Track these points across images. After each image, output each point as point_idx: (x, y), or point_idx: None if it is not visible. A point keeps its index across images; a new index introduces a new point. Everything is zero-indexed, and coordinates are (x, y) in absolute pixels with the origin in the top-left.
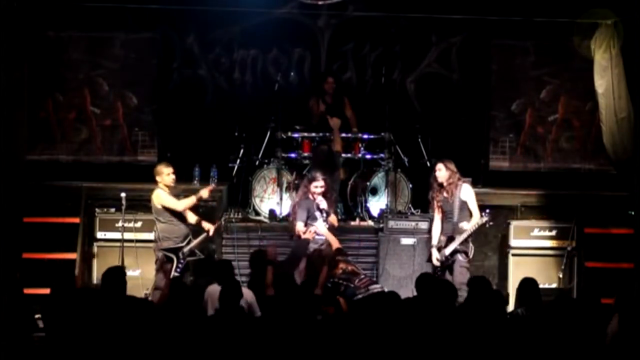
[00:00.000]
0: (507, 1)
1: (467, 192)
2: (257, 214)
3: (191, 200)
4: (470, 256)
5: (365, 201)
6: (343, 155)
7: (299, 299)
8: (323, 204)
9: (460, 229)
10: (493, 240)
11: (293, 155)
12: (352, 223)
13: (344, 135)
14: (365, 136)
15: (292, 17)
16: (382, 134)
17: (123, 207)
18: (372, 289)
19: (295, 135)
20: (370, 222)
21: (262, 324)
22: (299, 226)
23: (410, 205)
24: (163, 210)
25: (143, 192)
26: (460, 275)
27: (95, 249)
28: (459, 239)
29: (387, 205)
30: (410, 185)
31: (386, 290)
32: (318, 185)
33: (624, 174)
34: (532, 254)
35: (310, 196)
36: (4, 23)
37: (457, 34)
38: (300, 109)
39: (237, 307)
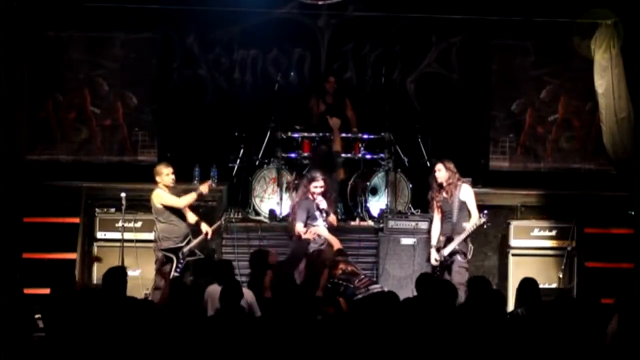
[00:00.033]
0: (507, 1)
1: (466, 193)
2: (257, 214)
3: (191, 196)
4: (469, 257)
5: (365, 201)
6: (343, 155)
7: (299, 300)
8: (323, 204)
9: (462, 229)
10: (493, 240)
11: (293, 155)
12: (352, 223)
13: (343, 135)
14: (365, 136)
15: (292, 17)
16: (382, 134)
17: (123, 207)
18: (372, 289)
19: (295, 135)
20: (370, 222)
21: (262, 324)
22: (299, 227)
23: (410, 205)
24: (163, 210)
25: (143, 192)
26: (458, 276)
27: (95, 250)
28: (457, 240)
29: (387, 205)
30: (410, 185)
31: (386, 290)
32: (318, 186)
33: (624, 174)
34: (532, 254)
35: (310, 196)
36: (4, 23)
37: (457, 34)
38: (300, 109)
39: (238, 307)
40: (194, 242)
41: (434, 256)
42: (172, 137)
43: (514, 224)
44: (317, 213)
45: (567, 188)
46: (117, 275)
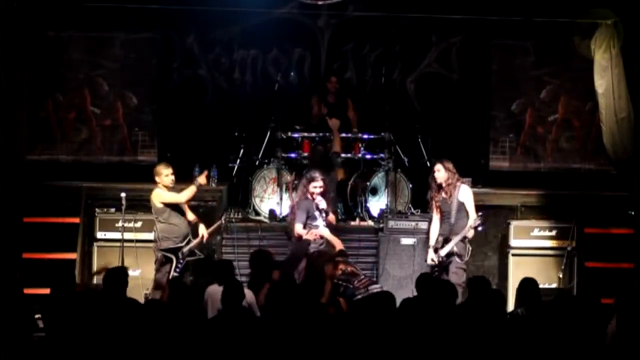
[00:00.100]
0: (507, 1)
1: (465, 193)
2: (257, 214)
3: (191, 190)
4: (467, 258)
5: (365, 201)
6: (343, 155)
7: (303, 307)
8: (322, 204)
9: (460, 229)
10: (493, 240)
11: (293, 155)
12: (352, 223)
13: (343, 135)
14: (365, 136)
15: (292, 17)
16: (382, 134)
17: (123, 207)
18: (372, 289)
19: (295, 135)
20: (370, 222)
21: (263, 325)
22: (298, 228)
23: (410, 205)
24: (162, 209)
25: (143, 192)
26: (455, 276)
27: (95, 250)
28: (454, 240)
29: (387, 205)
30: (410, 185)
31: (385, 290)
32: (317, 186)
33: (624, 174)
34: (532, 254)
35: (310, 196)
36: (4, 23)
37: (457, 34)
38: (300, 109)
39: (241, 307)
40: (194, 242)
41: (431, 256)
42: (172, 137)
43: (514, 224)
44: (317, 213)
45: (567, 188)
46: (118, 275)
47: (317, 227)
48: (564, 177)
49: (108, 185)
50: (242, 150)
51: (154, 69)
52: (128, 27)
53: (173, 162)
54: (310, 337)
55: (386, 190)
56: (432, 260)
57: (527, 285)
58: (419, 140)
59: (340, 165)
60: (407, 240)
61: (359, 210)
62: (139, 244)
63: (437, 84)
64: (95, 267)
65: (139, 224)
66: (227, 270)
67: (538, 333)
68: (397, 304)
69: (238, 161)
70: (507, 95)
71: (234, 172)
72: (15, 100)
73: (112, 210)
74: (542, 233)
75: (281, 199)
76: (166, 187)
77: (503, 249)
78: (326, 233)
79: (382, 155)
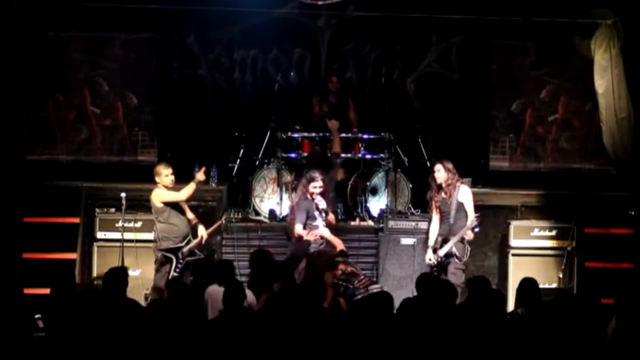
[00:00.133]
0: (507, 1)
1: (464, 194)
2: (257, 214)
3: (191, 187)
4: (465, 258)
5: (365, 201)
6: (343, 155)
7: (301, 303)
8: (322, 204)
9: (459, 230)
10: (493, 240)
11: (293, 155)
12: (352, 223)
13: (343, 135)
14: (365, 136)
15: (292, 17)
16: (382, 134)
17: (123, 207)
18: (372, 289)
19: (295, 135)
20: (370, 222)
21: (265, 325)
22: (298, 228)
23: (410, 205)
24: (162, 209)
25: (143, 192)
26: (454, 277)
27: (95, 250)
28: (452, 241)
29: (387, 205)
30: (410, 185)
31: (385, 290)
32: (317, 186)
33: (624, 174)
34: (532, 254)
35: (309, 196)
36: (4, 23)
37: (457, 34)
38: (300, 109)
39: (242, 308)
40: (194, 242)
41: (429, 256)
42: (172, 137)
43: (514, 224)
44: (317, 213)
45: (567, 188)
46: (118, 275)
47: (317, 227)
48: (564, 177)
49: (108, 185)
50: (242, 150)
51: (154, 69)
52: (128, 27)
53: (173, 162)
54: (310, 337)
55: (386, 190)
56: (431, 260)
57: (527, 285)
58: (419, 140)
59: (340, 165)
60: (407, 240)
61: (359, 210)
62: (139, 244)
63: (437, 84)
64: (95, 267)
65: (139, 224)
66: (227, 270)
67: (538, 333)
68: (397, 304)
69: (238, 161)
70: (507, 95)
71: (234, 172)
72: (15, 100)
73: (112, 210)
74: (542, 233)
75: (281, 199)
76: (166, 187)
77: (503, 249)
78: (326, 233)
79: (382, 155)
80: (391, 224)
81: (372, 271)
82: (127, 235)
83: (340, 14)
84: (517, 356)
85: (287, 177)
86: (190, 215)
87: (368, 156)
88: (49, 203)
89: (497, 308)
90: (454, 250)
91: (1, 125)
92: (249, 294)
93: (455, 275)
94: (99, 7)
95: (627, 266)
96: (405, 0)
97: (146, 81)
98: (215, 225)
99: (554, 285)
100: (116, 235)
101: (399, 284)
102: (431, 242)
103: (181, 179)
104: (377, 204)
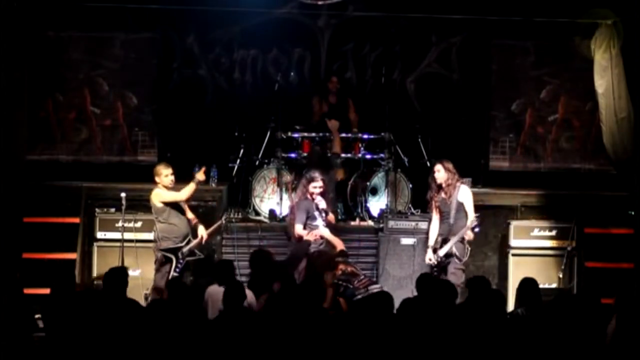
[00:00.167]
0: (507, 1)
1: (464, 194)
2: (257, 214)
3: (191, 187)
4: (465, 258)
5: (365, 201)
6: (343, 155)
7: (301, 304)
8: (322, 204)
9: (459, 230)
10: (493, 240)
11: (293, 155)
12: (352, 223)
13: (343, 135)
14: (365, 136)
15: (292, 17)
16: (382, 134)
17: (123, 207)
18: (372, 289)
19: (295, 135)
20: (370, 222)
21: (265, 325)
22: (299, 228)
23: (410, 205)
24: (162, 209)
25: (143, 192)
26: (453, 277)
27: (95, 250)
28: (452, 241)
29: (387, 205)
30: (410, 185)
31: (385, 290)
32: (317, 186)
33: (624, 174)
34: (532, 254)
35: (309, 197)
36: (4, 23)
37: (457, 34)
38: (300, 109)
39: (242, 308)
40: (194, 242)
41: (429, 256)
42: (172, 137)
43: (514, 224)
44: (317, 213)
45: (567, 188)
46: (118, 275)
47: (317, 227)
48: (564, 177)
49: (108, 185)
50: (242, 150)
51: (154, 69)
52: (128, 27)
53: (173, 162)
54: (310, 337)
55: (386, 190)
56: (431, 260)
57: (527, 285)
58: (419, 140)
59: (340, 165)
60: (407, 240)
61: (359, 210)
62: (139, 244)
63: (437, 84)
64: (95, 267)
65: (139, 224)
66: (227, 270)
67: (538, 333)
68: (397, 304)
69: (238, 161)
70: (507, 95)
71: (234, 172)
72: (15, 100)
73: (112, 210)
74: (542, 233)
75: (281, 199)
76: (166, 187)
77: (503, 249)
78: (326, 233)
79: (382, 155)
80: (391, 224)
81: (372, 271)
82: (127, 235)
83: (340, 14)
84: (517, 356)
85: (287, 177)
86: (190, 215)
87: (368, 156)
88: (49, 203)
89: (497, 308)
90: (454, 250)
91: (1, 125)
92: (249, 294)
93: (455, 275)
94: (99, 7)
95: (627, 266)
96: (405, 0)
97: (146, 81)
98: (215, 225)
99: (554, 285)
100: (116, 235)
101: (399, 284)
102: (431, 242)
103: (181, 179)
104: (377, 204)
